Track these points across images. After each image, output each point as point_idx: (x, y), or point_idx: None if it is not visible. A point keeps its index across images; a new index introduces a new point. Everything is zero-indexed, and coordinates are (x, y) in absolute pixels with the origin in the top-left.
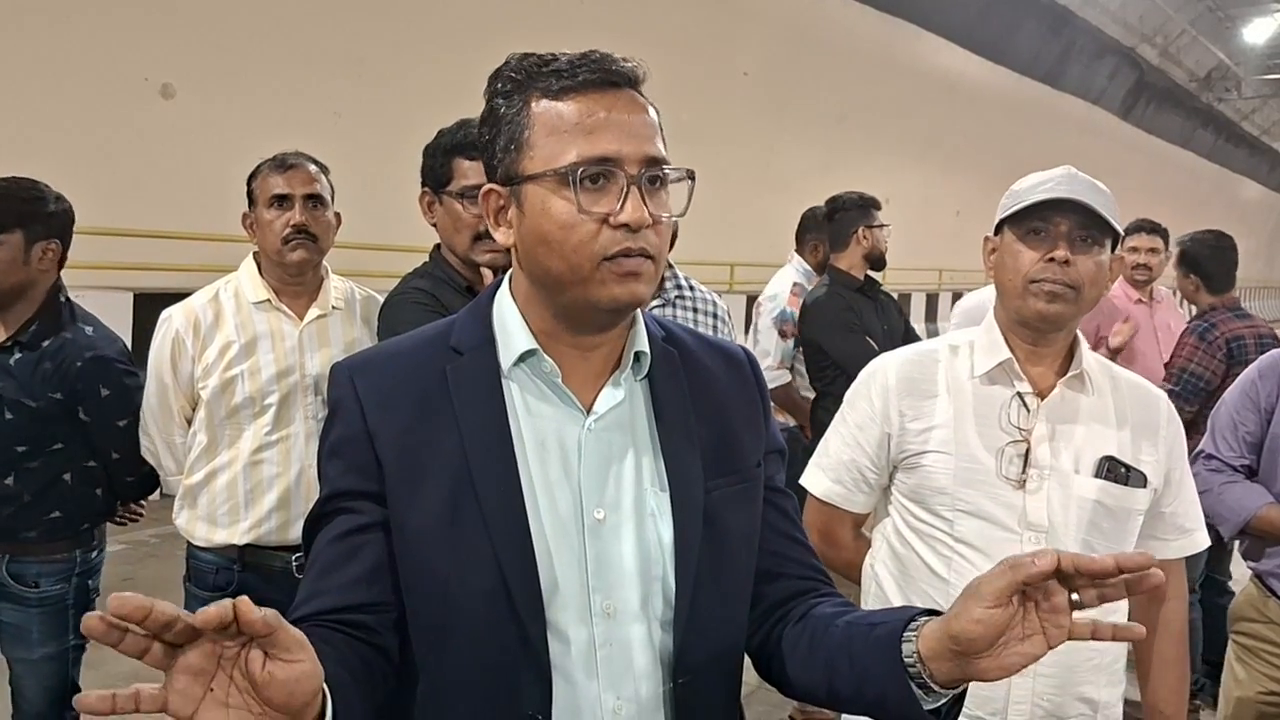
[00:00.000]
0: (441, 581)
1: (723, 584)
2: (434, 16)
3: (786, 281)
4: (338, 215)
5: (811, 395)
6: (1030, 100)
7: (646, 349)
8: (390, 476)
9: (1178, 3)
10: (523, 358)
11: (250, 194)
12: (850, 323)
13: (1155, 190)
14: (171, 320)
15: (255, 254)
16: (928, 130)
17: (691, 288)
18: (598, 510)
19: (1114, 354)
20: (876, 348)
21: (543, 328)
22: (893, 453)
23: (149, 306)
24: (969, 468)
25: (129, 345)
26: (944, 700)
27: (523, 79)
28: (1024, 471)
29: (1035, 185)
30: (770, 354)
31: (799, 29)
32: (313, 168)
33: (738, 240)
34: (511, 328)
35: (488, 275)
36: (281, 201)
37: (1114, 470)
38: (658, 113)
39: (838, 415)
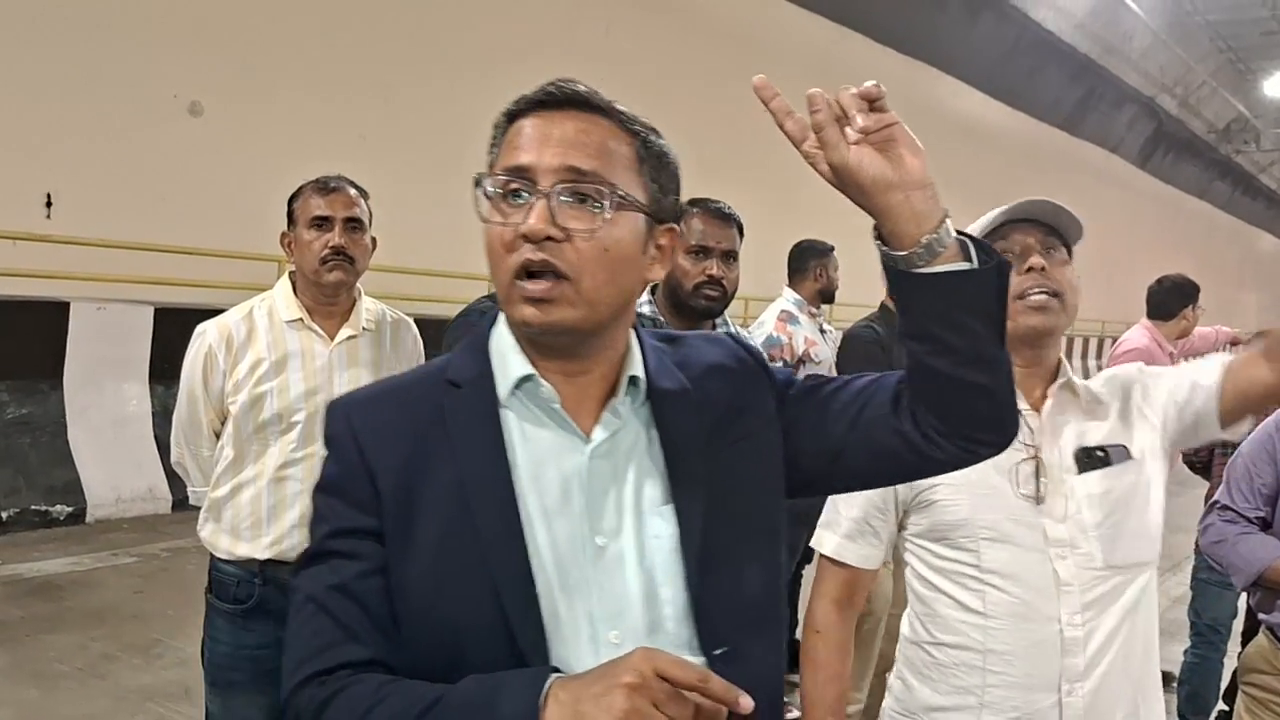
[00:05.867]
0: (439, 622)
1: (740, 583)
2: (459, 42)
3: (775, 310)
4: (374, 239)
5: None
6: (1048, 146)
7: (641, 374)
8: (388, 512)
9: (1199, 54)
10: (519, 384)
11: (290, 214)
12: (873, 355)
13: (1171, 240)
14: (205, 335)
15: (291, 273)
16: (944, 172)
17: (735, 334)
18: (599, 538)
19: None
20: None
21: (529, 354)
22: (902, 496)
23: (169, 321)
24: (985, 493)
25: (148, 357)
26: (926, 250)
27: (515, 105)
28: (1038, 487)
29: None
30: None
31: (821, 68)
32: (353, 191)
33: (757, 273)
34: (508, 356)
35: None
36: (322, 223)
37: (1091, 459)
38: (641, 144)
39: None
